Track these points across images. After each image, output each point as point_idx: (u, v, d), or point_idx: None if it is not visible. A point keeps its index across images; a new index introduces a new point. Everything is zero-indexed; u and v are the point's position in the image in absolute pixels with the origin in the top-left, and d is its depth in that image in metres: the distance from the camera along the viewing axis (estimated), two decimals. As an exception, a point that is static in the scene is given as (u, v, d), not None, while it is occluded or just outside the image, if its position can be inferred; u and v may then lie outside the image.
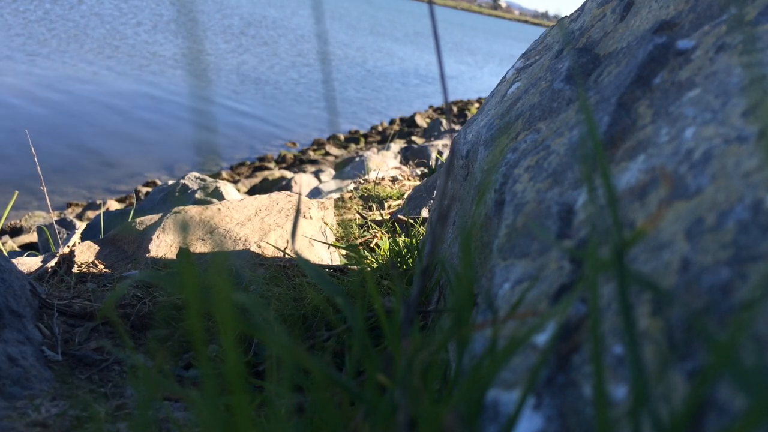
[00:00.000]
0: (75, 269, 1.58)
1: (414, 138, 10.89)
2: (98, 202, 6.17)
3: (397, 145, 7.75)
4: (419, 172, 3.61)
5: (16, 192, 2.32)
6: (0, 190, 5.86)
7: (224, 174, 7.86)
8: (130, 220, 1.89)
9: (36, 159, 2.36)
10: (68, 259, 1.63)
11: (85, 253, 1.70)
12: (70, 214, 5.89)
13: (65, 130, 8.02)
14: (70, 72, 10.72)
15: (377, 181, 3.02)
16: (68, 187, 6.65)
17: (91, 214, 5.78)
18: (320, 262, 1.83)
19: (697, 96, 0.56)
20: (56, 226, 3.20)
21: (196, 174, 3.96)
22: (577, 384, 0.41)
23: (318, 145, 10.03)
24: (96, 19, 17.14)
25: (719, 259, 0.39)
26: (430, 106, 14.65)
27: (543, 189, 0.67)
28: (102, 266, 1.65)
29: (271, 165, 8.55)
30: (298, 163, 8.97)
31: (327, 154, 9.61)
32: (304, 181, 6.12)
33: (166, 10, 21.96)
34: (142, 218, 1.88)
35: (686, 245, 0.42)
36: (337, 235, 2.12)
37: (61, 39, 13.25)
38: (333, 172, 7.37)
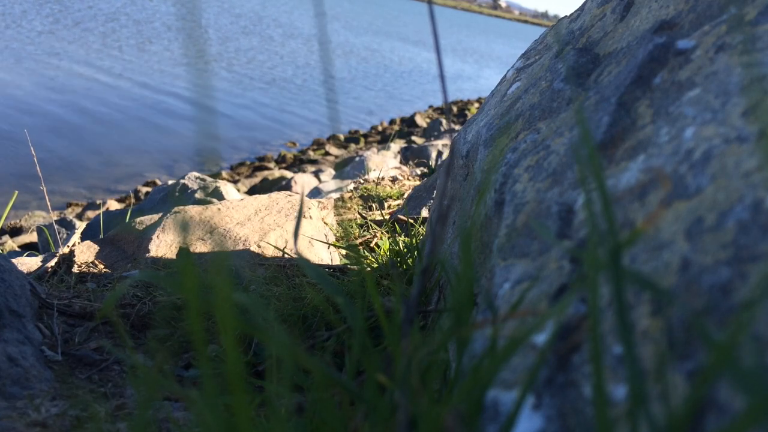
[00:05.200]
0: (75, 269, 1.58)
1: (414, 138, 10.89)
2: (98, 202, 6.17)
3: (397, 145, 7.76)
4: (419, 172, 3.62)
5: (16, 192, 2.32)
6: (0, 190, 5.86)
7: (224, 174, 7.86)
8: (127, 220, 1.89)
9: (36, 159, 2.36)
10: (68, 259, 1.63)
11: (85, 253, 1.70)
12: (70, 214, 5.89)
13: (65, 129, 8.03)
14: (70, 71, 10.72)
15: (377, 181, 3.02)
16: (68, 187, 6.65)
17: (91, 214, 5.78)
18: (320, 262, 1.83)
19: (697, 96, 0.56)
20: (56, 226, 3.20)
21: (196, 174, 3.96)
22: (576, 384, 0.41)
23: (318, 144, 10.03)
24: (97, 17, 17.15)
25: (719, 259, 0.39)
26: (430, 106, 14.65)
27: (543, 189, 0.67)
28: (102, 266, 1.65)
29: (271, 165, 8.55)
30: (298, 163, 8.98)
31: (327, 154, 9.61)
32: (304, 181, 6.12)
33: (168, 9, 21.97)
34: (142, 218, 1.88)
35: (686, 245, 0.42)
36: (337, 235, 2.12)
37: (62, 38, 13.25)
38: (333, 172, 7.38)
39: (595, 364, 0.34)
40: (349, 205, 2.54)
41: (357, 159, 6.25)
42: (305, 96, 12.79)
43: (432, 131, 11.23)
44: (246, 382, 0.38)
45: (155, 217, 1.88)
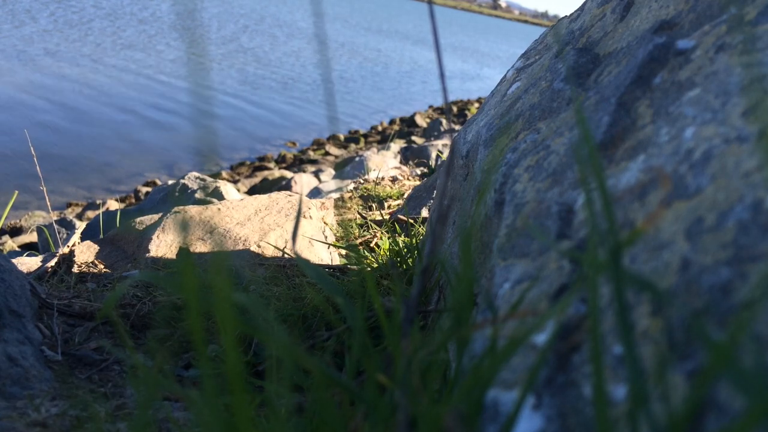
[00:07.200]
0: (75, 269, 1.58)
1: (414, 138, 10.89)
2: (98, 202, 6.17)
3: (397, 145, 7.76)
4: (419, 172, 3.61)
5: (16, 192, 2.32)
6: (0, 190, 5.86)
7: (224, 174, 7.86)
8: (125, 220, 1.89)
9: (35, 159, 2.36)
10: (68, 259, 1.63)
11: (85, 253, 1.70)
12: (70, 214, 5.89)
13: (65, 129, 8.03)
14: (70, 71, 10.72)
15: (377, 181, 3.02)
16: (68, 187, 6.66)
17: (91, 214, 5.78)
18: (320, 262, 1.83)
19: (697, 96, 0.56)
20: (56, 226, 3.20)
21: (196, 174, 3.96)
22: (577, 384, 0.41)
23: (318, 144, 10.03)
24: (100, 16, 17.15)
25: (719, 259, 0.39)
26: (430, 106, 14.65)
27: (543, 189, 0.67)
28: (102, 266, 1.65)
29: (271, 165, 8.55)
30: (298, 163, 8.98)
31: (327, 154, 9.61)
32: (304, 181, 6.12)
33: (168, 8, 21.97)
34: (142, 218, 1.88)
35: (686, 245, 0.42)
36: (337, 235, 2.12)
37: (63, 37, 13.25)
38: (333, 172, 7.38)
39: (595, 364, 0.34)
40: (349, 205, 2.54)
41: (357, 159, 6.25)
42: (305, 96, 12.80)
43: (432, 131, 11.23)
44: (246, 382, 0.38)
45: (155, 217, 1.88)
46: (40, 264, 1.66)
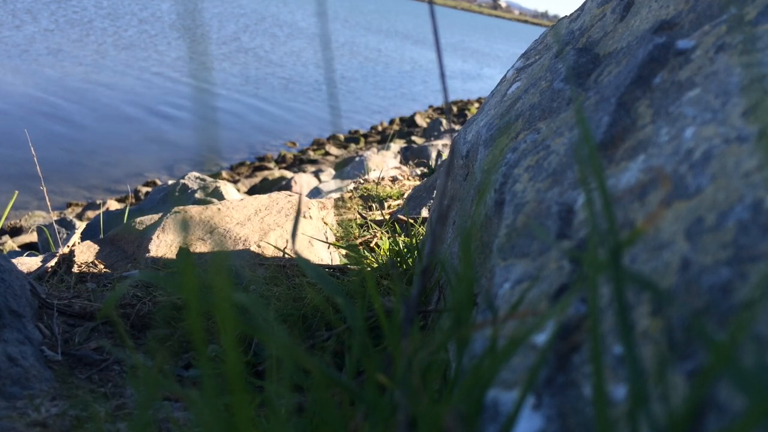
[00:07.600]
0: (75, 269, 1.58)
1: (414, 138, 10.89)
2: (98, 202, 6.17)
3: (397, 145, 7.75)
4: (419, 172, 3.61)
5: (16, 192, 2.32)
6: (0, 190, 5.86)
7: (224, 174, 7.86)
8: (127, 220, 1.89)
9: (36, 159, 2.36)
10: (68, 259, 1.63)
11: (85, 253, 1.70)
12: (70, 214, 5.89)
13: (66, 129, 8.03)
14: (71, 70, 10.72)
15: (377, 181, 3.02)
16: (68, 187, 6.66)
17: (91, 214, 5.78)
18: (320, 262, 1.83)
19: (697, 96, 0.56)
20: (56, 226, 3.20)
21: (196, 174, 3.96)
22: (577, 384, 0.41)
23: (318, 144, 10.03)
24: (101, 15, 17.15)
25: (719, 259, 0.39)
26: (430, 106, 14.65)
27: (543, 189, 0.67)
28: (102, 266, 1.65)
29: (271, 165, 8.55)
30: (297, 163, 8.98)
31: (327, 153, 9.61)
32: (304, 181, 6.12)
33: (169, 8, 21.97)
34: (142, 218, 1.88)
35: (686, 245, 0.42)
36: (337, 235, 2.12)
37: (63, 36, 13.25)
38: (333, 172, 7.38)
39: (595, 364, 0.34)
40: (349, 205, 2.54)
41: (357, 159, 6.25)
42: (305, 96, 12.80)
43: (432, 131, 11.23)
44: (246, 382, 0.38)
45: (155, 217, 1.88)
46: (40, 264, 1.66)
